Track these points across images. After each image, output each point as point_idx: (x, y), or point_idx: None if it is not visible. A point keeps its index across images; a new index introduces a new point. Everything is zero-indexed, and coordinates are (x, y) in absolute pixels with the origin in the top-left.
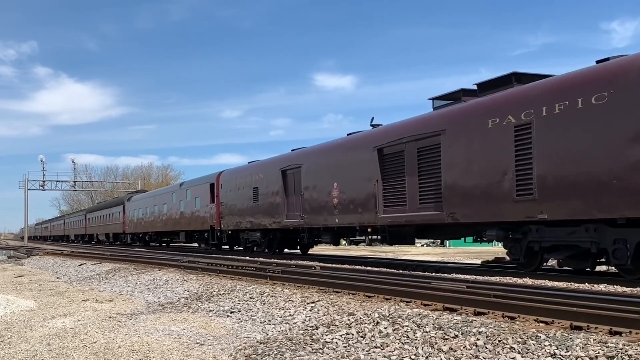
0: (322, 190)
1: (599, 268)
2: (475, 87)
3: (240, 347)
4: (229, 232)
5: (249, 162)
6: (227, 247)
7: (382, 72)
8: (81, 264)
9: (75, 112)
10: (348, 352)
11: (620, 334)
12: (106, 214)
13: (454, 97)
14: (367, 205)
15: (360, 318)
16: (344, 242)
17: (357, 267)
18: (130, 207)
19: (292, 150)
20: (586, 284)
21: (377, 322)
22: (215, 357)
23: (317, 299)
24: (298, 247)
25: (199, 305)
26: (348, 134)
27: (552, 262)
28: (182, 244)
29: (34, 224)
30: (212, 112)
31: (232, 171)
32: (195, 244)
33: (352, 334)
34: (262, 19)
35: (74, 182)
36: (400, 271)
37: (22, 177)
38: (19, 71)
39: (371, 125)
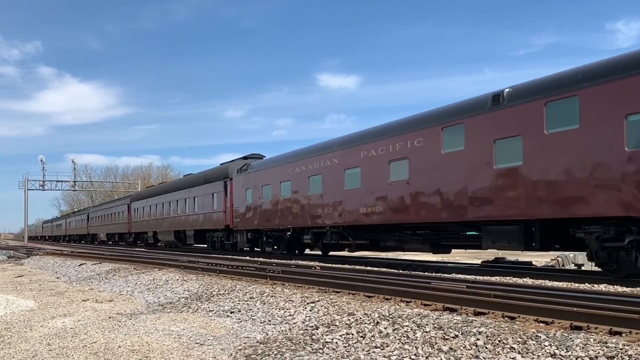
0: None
1: (597, 268)
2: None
3: (240, 347)
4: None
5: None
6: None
7: (385, 72)
8: (81, 264)
9: (78, 112)
10: (348, 352)
11: (620, 334)
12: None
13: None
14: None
15: (360, 318)
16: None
17: (357, 267)
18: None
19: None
20: (586, 284)
21: (377, 322)
22: (215, 357)
23: (317, 299)
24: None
25: (199, 305)
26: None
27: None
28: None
29: (35, 224)
30: (215, 112)
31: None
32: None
33: (352, 334)
34: (266, 19)
35: (74, 182)
36: (400, 271)
37: (22, 177)
38: (23, 71)
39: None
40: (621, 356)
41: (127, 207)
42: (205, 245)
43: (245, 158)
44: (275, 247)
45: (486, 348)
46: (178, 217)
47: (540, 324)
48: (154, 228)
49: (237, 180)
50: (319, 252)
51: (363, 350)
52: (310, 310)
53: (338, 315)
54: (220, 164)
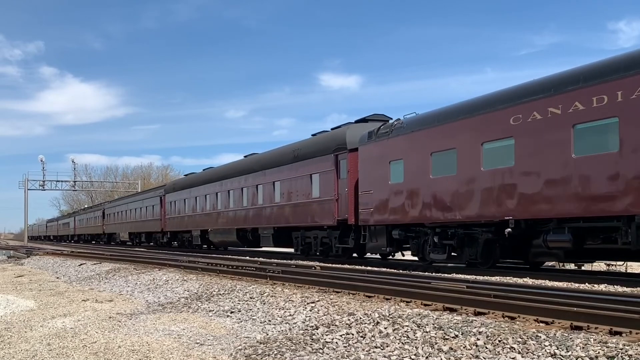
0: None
1: (598, 268)
2: None
3: (240, 347)
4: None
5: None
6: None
7: (387, 72)
8: (81, 264)
9: (80, 112)
10: (348, 352)
11: (620, 334)
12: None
13: None
14: None
15: (360, 318)
16: None
17: (357, 267)
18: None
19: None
20: (586, 284)
21: (377, 322)
22: (215, 357)
23: (317, 299)
24: None
25: (199, 305)
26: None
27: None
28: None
29: (37, 223)
30: (216, 112)
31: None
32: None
33: (352, 334)
34: (268, 19)
35: (74, 182)
36: (400, 271)
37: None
38: (25, 71)
39: None
40: (621, 356)
41: (159, 200)
42: (292, 250)
43: (364, 120)
44: (453, 253)
45: (486, 348)
46: (245, 211)
47: (540, 324)
48: (202, 225)
49: (367, 150)
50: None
51: (363, 350)
52: (310, 310)
53: (338, 315)
54: (331, 129)
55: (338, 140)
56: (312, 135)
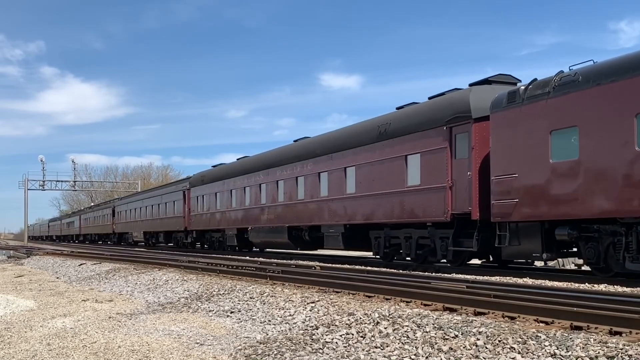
0: None
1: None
2: None
3: (240, 347)
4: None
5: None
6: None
7: (387, 72)
8: (81, 264)
9: (81, 112)
10: (348, 352)
11: (620, 334)
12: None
13: None
14: None
15: (360, 318)
16: None
17: (357, 267)
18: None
19: None
20: (586, 284)
21: (377, 322)
22: (215, 357)
23: (317, 299)
24: None
25: (199, 305)
26: None
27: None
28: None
29: (39, 222)
30: (217, 112)
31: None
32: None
33: (352, 334)
34: (269, 19)
35: (74, 182)
36: (400, 271)
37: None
38: (26, 71)
39: None
40: (621, 356)
41: (182, 195)
42: (372, 254)
43: (487, 82)
44: None
45: (486, 348)
46: (301, 205)
47: (540, 324)
48: (240, 223)
49: (506, 118)
50: None
51: (363, 350)
52: (310, 310)
53: (338, 315)
54: (430, 97)
55: (455, 106)
56: (398, 108)
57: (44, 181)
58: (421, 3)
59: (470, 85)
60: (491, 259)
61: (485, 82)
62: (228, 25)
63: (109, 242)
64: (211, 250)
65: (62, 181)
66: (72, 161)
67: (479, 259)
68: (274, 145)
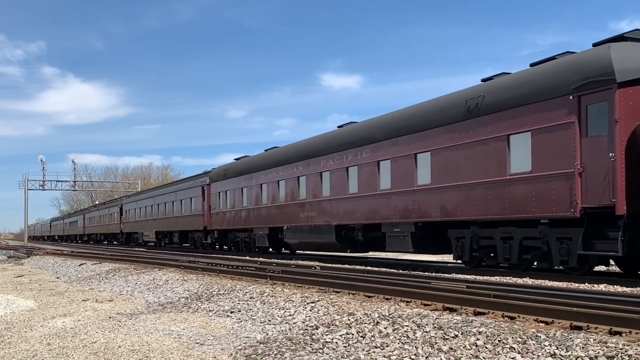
0: None
1: (598, 268)
2: None
3: (240, 347)
4: None
5: None
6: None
7: (388, 72)
8: (81, 264)
9: (81, 112)
10: (348, 352)
11: (620, 334)
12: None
13: None
14: None
15: (360, 318)
16: None
17: (357, 267)
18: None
19: None
20: (586, 284)
21: (377, 322)
22: (215, 357)
23: (317, 299)
24: None
25: (199, 305)
26: None
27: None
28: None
29: (40, 222)
30: (217, 112)
31: None
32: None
33: (352, 334)
34: (269, 19)
35: (74, 182)
36: (400, 271)
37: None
38: (26, 71)
39: None
40: (621, 356)
41: (200, 191)
42: (453, 258)
43: (622, 39)
44: None
45: (486, 348)
46: (354, 201)
47: (540, 324)
48: (273, 222)
49: None
50: None
51: (363, 350)
52: (310, 310)
53: (338, 315)
54: (556, 55)
55: (587, 69)
56: (484, 80)
57: (44, 181)
58: (421, 3)
59: (595, 45)
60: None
61: (620, 38)
62: (228, 25)
63: (115, 243)
64: (235, 251)
65: (62, 181)
66: (72, 161)
67: (620, 267)
68: (274, 145)
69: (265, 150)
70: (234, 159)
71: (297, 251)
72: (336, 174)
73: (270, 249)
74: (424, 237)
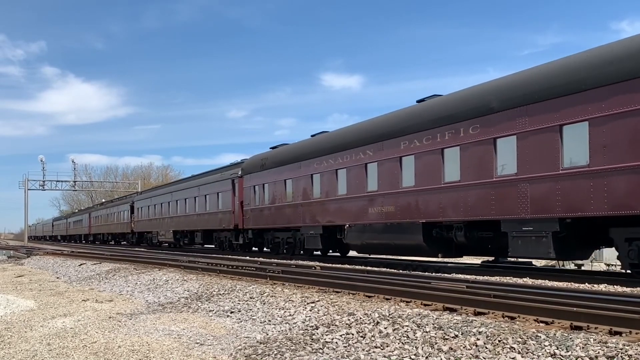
0: None
1: (597, 268)
2: None
3: (240, 347)
4: None
5: None
6: None
7: (388, 72)
8: (81, 264)
9: (81, 112)
10: (348, 352)
11: (620, 334)
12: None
13: None
14: None
15: (360, 318)
16: None
17: (357, 267)
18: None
19: None
20: (586, 284)
21: (377, 322)
22: (215, 357)
23: (317, 299)
24: None
25: (199, 305)
26: None
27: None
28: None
29: (41, 222)
30: (217, 112)
31: None
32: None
33: (352, 334)
34: (270, 19)
35: (74, 182)
36: (400, 271)
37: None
38: (27, 71)
39: None
40: (621, 356)
41: (230, 184)
42: (622, 268)
43: None
44: None
45: (486, 348)
46: (449, 193)
47: (540, 324)
48: (328, 219)
49: None
50: None
51: (363, 350)
52: (310, 310)
53: (338, 315)
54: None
55: None
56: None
57: (44, 181)
58: (421, 3)
59: None
60: None
61: None
62: (228, 25)
63: (123, 243)
64: (274, 254)
65: (62, 181)
66: (72, 161)
67: None
68: (275, 144)
69: (312, 136)
70: (270, 148)
71: (363, 255)
72: (424, 159)
73: (323, 252)
74: (570, 237)
